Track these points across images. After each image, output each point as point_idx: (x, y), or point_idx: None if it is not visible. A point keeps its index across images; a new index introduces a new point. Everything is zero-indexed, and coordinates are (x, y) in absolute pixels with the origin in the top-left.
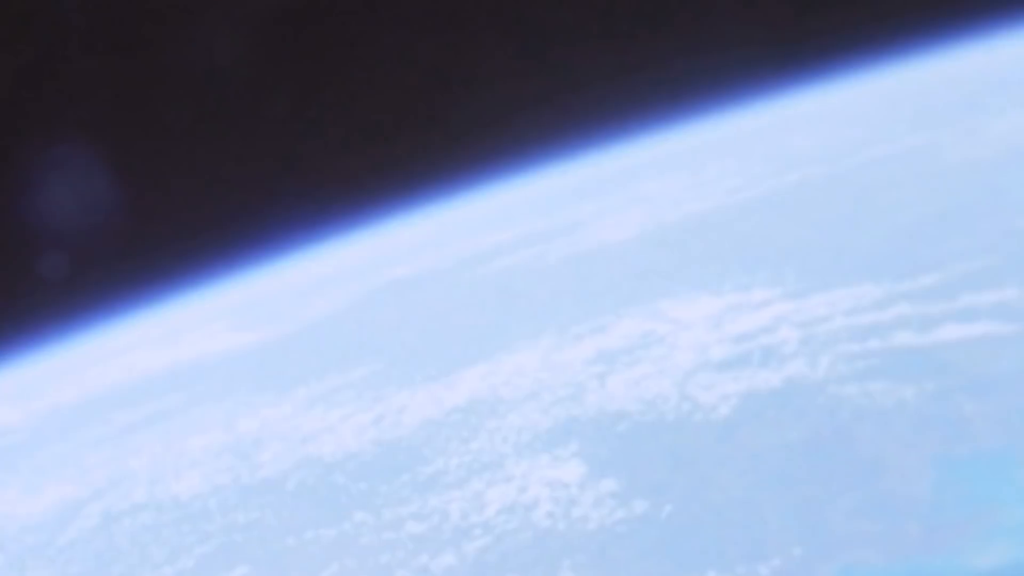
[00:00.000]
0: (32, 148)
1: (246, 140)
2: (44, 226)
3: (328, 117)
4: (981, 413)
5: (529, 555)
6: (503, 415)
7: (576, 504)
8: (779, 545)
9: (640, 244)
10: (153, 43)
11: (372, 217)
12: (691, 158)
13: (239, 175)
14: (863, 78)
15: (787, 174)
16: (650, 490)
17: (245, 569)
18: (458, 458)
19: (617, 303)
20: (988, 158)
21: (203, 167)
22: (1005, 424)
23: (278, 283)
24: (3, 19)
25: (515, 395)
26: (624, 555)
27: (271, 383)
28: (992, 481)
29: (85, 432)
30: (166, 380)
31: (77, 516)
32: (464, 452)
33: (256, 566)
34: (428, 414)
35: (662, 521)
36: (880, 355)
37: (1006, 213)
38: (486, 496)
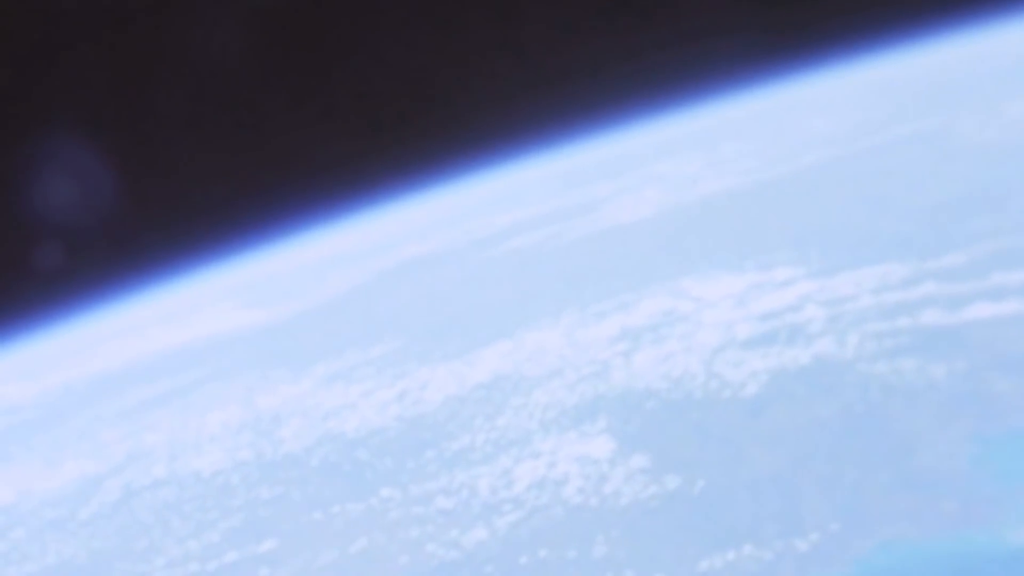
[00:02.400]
0: (46, 132)
1: (260, 120)
2: (57, 206)
3: (341, 97)
4: (1014, 391)
5: (562, 530)
6: (528, 392)
7: (607, 480)
8: (816, 520)
9: (658, 224)
10: (170, 27)
11: (384, 196)
12: (705, 139)
13: (251, 154)
14: (878, 60)
15: (804, 155)
16: (681, 466)
17: (272, 543)
18: (484, 434)
19: (638, 282)
20: (1007, 139)
21: (215, 147)
22: None
23: (289, 262)
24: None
25: (539, 372)
26: (658, 530)
27: (288, 360)
28: None
29: (100, 409)
30: (180, 358)
31: (97, 491)
32: (490, 428)
33: (284, 540)
34: (451, 391)
35: (695, 497)
36: (909, 333)
37: None
38: (515, 472)
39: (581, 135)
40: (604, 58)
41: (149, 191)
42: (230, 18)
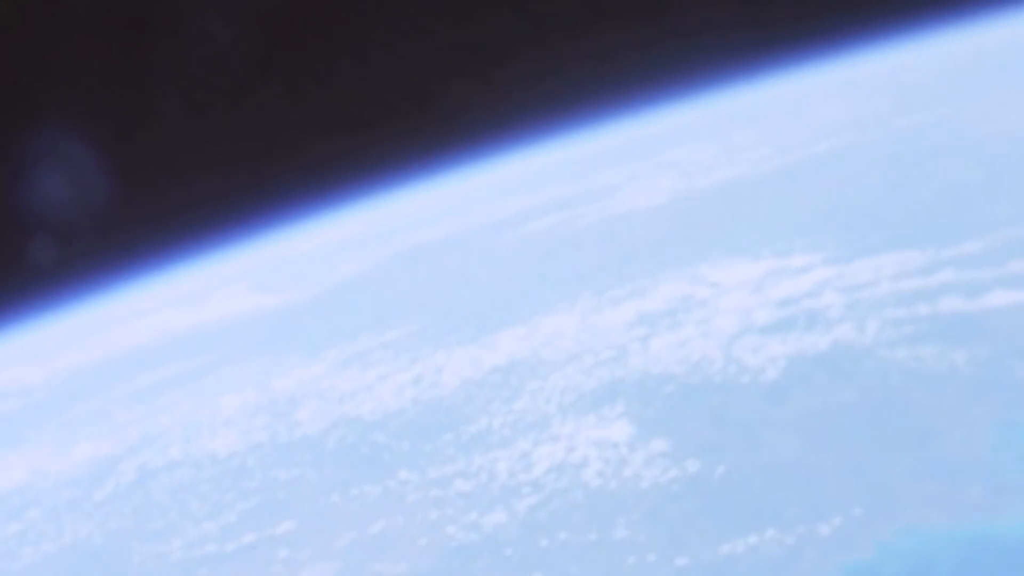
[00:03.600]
0: (64, 117)
1: (271, 104)
2: (67, 189)
3: (354, 80)
4: None
5: (582, 513)
6: (545, 376)
7: (626, 464)
8: (838, 505)
9: (672, 210)
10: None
11: (395, 181)
12: (716, 127)
13: (262, 138)
14: (889, 50)
15: (817, 143)
16: (701, 450)
17: (290, 525)
18: (502, 418)
19: (654, 267)
20: (1020, 129)
21: (226, 132)
22: None
23: (300, 247)
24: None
25: (556, 357)
26: (680, 514)
27: (301, 344)
28: None
29: (112, 391)
30: (191, 341)
31: (112, 472)
32: (507, 412)
33: (302, 522)
34: (467, 374)
35: (716, 481)
36: (929, 320)
37: None
38: (533, 455)
39: (591, 123)
40: (615, 46)
41: (161, 175)
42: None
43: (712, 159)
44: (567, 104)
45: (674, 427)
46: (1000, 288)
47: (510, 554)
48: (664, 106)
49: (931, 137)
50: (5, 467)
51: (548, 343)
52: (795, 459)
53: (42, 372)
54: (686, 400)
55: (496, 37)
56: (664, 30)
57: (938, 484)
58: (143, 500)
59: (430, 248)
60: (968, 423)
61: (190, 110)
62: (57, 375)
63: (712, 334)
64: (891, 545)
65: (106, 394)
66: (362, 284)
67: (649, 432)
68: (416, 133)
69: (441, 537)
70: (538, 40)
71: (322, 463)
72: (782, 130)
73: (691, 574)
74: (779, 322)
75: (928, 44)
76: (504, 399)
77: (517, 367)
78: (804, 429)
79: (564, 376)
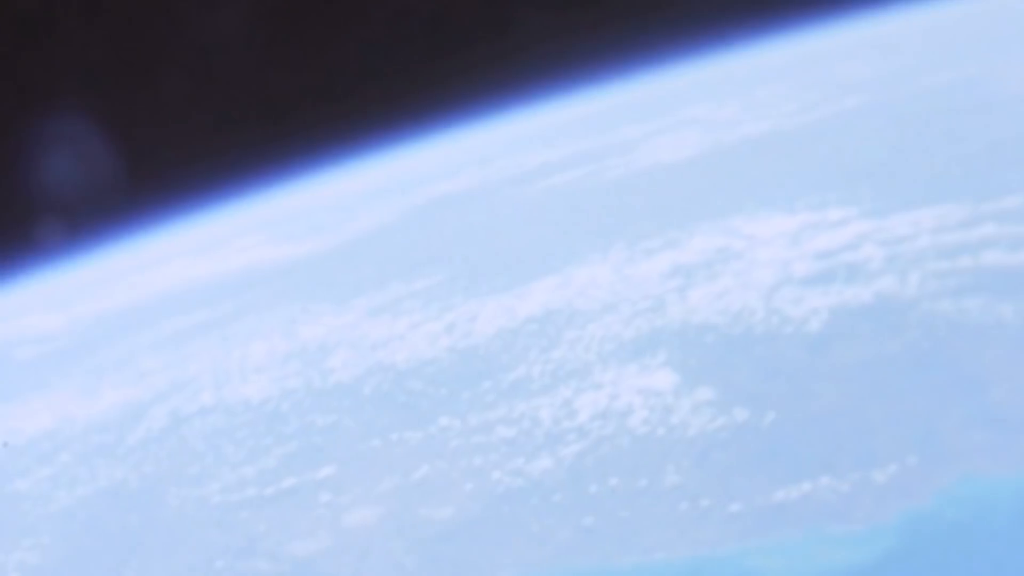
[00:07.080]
0: (81, 69)
1: (290, 52)
2: (87, 139)
3: (372, 34)
4: None
5: (630, 460)
6: (582, 325)
7: (672, 411)
8: (891, 453)
9: (699, 164)
10: None
11: (414, 133)
12: (738, 83)
13: (281, 89)
14: (915, 7)
15: (844, 99)
16: (749, 399)
17: (331, 470)
18: (541, 366)
19: (686, 219)
20: None
21: (245, 82)
22: None
23: (319, 198)
24: None
25: (592, 307)
26: (730, 461)
27: (328, 292)
28: None
29: (136, 338)
30: (213, 289)
31: (144, 417)
32: (546, 360)
33: (342, 467)
34: (502, 323)
35: (766, 429)
36: (972, 273)
37: None
38: (576, 403)
39: (611, 78)
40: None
41: (181, 124)
42: None
43: (736, 115)
44: (586, 58)
45: (719, 376)
46: None
47: (559, 499)
48: (685, 62)
49: (961, 94)
50: (32, 412)
51: (583, 293)
52: (845, 408)
53: (63, 319)
54: (729, 350)
55: None
56: None
57: (991, 434)
58: (177, 445)
59: (452, 200)
60: (1018, 374)
61: (209, 59)
62: (79, 322)
63: (751, 285)
64: (950, 492)
65: (130, 341)
66: (386, 235)
67: (694, 380)
68: (436, 85)
69: (487, 482)
70: None
71: (359, 409)
72: (807, 86)
73: (746, 520)
74: (819, 274)
75: (956, 1)
76: (542, 348)
77: (553, 316)
78: (852, 379)
79: (602, 325)
